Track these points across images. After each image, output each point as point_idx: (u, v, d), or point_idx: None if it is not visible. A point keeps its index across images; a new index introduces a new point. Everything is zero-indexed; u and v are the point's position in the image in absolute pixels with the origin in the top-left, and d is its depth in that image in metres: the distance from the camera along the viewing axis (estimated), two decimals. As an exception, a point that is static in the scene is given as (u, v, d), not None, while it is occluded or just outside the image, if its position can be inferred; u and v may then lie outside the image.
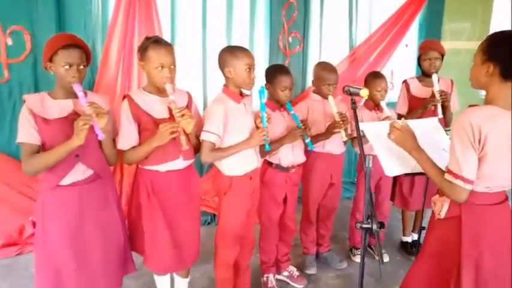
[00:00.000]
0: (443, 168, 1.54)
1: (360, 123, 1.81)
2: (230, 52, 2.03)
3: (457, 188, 1.46)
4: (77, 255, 1.81)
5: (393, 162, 1.74)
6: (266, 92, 2.35)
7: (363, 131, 1.79)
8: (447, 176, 1.48)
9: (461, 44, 4.51)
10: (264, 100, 2.05)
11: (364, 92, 1.54)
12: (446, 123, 2.75)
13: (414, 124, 1.84)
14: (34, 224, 3.04)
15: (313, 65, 2.71)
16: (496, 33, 1.53)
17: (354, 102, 1.62)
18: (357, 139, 1.52)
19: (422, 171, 1.69)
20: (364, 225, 1.36)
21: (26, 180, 3.02)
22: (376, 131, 1.79)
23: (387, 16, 4.16)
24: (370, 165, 1.35)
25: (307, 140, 2.31)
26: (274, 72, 2.34)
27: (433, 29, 4.38)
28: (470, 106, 1.51)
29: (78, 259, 1.81)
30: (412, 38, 4.35)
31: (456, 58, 4.13)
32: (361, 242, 2.93)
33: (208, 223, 3.50)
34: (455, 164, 1.46)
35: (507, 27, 4.03)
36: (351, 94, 1.63)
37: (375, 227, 1.34)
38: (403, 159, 1.72)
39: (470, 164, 1.44)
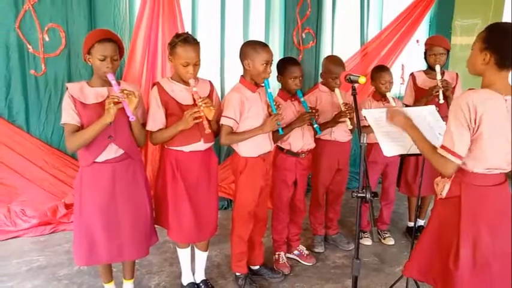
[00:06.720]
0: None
1: (363, 110, 2.01)
2: (252, 47, 2.23)
3: (447, 162, 1.56)
4: (108, 223, 2.03)
5: (390, 144, 1.91)
6: (279, 83, 2.57)
7: (364, 117, 1.98)
8: (440, 150, 1.58)
9: (471, 39, 4.53)
10: (270, 90, 2.25)
11: (362, 79, 1.72)
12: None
13: (412, 111, 2.01)
14: (66, 206, 3.28)
15: (325, 60, 2.85)
16: (496, 23, 1.61)
17: (354, 89, 1.80)
18: (356, 121, 1.71)
19: (417, 152, 1.86)
20: (359, 194, 1.55)
21: (59, 165, 3.27)
22: (376, 117, 1.96)
23: (398, 13, 4.24)
24: (365, 141, 1.53)
25: (315, 125, 2.48)
26: (284, 64, 2.54)
27: (444, 25, 4.43)
28: (469, 90, 1.61)
29: (109, 227, 2.04)
30: (422, 34, 4.40)
31: (467, 53, 4.18)
32: (368, 226, 3.12)
33: (225, 208, 3.69)
34: (449, 140, 1.56)
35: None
36: (351, 82, 1.82)
37: (368, 195, 1.52)
38: (400, 141, 1.89)
39: (463, 140, 1.54)
